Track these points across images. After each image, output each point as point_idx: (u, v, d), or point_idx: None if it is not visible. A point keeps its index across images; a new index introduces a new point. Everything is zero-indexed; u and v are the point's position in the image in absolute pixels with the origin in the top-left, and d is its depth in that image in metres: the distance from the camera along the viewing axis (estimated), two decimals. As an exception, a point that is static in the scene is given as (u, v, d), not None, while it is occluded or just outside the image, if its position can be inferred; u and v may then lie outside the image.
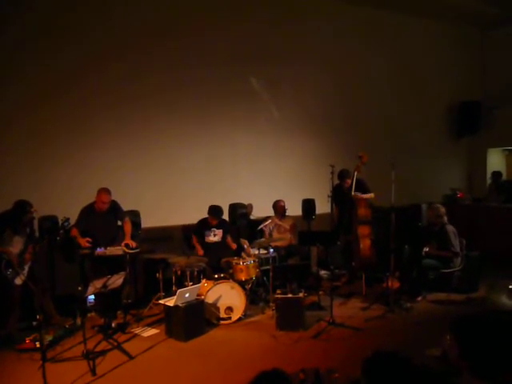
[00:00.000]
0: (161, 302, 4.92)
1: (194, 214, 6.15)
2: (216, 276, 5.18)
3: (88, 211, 5.27)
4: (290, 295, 4.80)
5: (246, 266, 5.36)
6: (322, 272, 6.46)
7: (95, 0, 6.17)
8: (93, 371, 3.83)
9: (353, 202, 5.92)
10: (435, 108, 9.33)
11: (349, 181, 6.09)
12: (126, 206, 5.62)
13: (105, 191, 5.22)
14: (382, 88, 8.48)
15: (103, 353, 4.23)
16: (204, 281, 5.17)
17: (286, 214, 6.61)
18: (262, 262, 5.78)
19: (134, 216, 5.93)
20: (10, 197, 4.78)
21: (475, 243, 6.23)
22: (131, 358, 4.16)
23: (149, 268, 5.79)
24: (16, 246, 4.68)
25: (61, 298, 5.20)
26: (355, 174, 5.91)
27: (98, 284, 4.23)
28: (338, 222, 6.22)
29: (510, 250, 6.89)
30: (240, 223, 6.86)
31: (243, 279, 5.33)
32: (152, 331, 4.84)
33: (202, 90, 6.85)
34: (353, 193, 5.90)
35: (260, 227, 6.40)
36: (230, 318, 5.02)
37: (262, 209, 7.00)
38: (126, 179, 6.21)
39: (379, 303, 5.43)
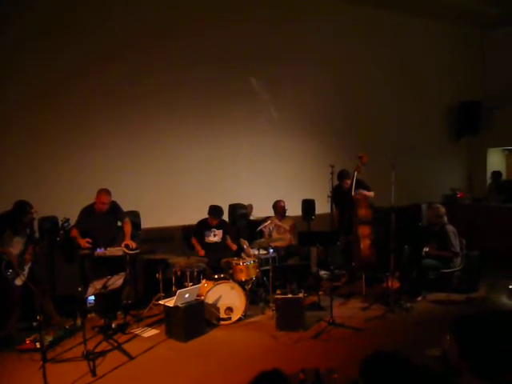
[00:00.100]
0: (161, 302, 4.92)
1: (194, 215, 6.15)
2: (216, 276, 5.18)
3: (88, 212, 5.27)
4: (289, 295, 4.80)
5: (246, 266, 5.36)
6: (322, 272, 6.46)
7: (95, 0, 6.17)
8: (93, 372, 3.83)
9: (353, 203, 5.92)
10: (435, 108, 9.33)
11: (348, 181, 6.08)
12: (125, 207, 5.62)
13: (105, 192, 5.22)
14: (381, 88, 8.47)
15: (103, 353, 4.23)
16: (204, 281, 5.17)
17: (286, 214, 6.61)
18: (261, 262, 5.78)
19: (134, 216, 5.93)
20: (10, 197, 4.78)
21: (475, 243, 6.23)
22: (131, 358, 4.16)
23: (149, 268, 5.79)
24: (16, 246, 4.67)
25: (61, 299, 5.20)
26: (355, 174, 5.91)
27: (98, 285, 4.23)
28: (339, 223, 6.20)
29: (510, 250, 6.88)
30: (240, 223, 6.85)
31: (243, 279, 5.33)
32: (152, 332, 4.84)
33: (202, 90, 6.85)
34: (353, 193, 5.89)
35: (259, 228, 6.40)
36: (229, 318, 5.02)
37: (261, 209, 7.00)
38: (125, 180, 6.21)
39: (379, 303, 5.44)
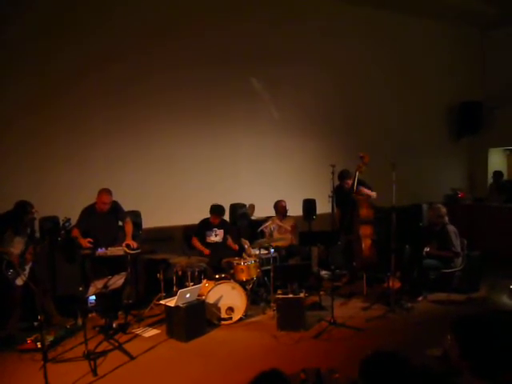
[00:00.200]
0: (162, 302, 4.92)
1: (195, 215, 6.15)
2: (217, 276, 5.18)
3: (89, 212, 5.27)
4: (290, 295, 4.80)
5: (247, 266, 5.36)
6: (323, 272, 6.47)
7: (95, 0, 6.17)
8: (94, 371, 3.84)
9: (354, 203, 5.91)
10: (435, 108, 9.33)
11: (349, 181, 6.07)
12: (126, 207, 5.62)
13: (106, 192, 5.22)
14: (382, 88, 8.47)
15: (104, 353, 4.23)
16: (205, 281, 5.17)
17: (287, 214, 6.61)
18: (262, 262, 5.78)
19: (135, 216, 5.93)
20: (11, 197, 4.79)
21: (476, 243, 6.23)
22: (132, 358, 4.16)
23: (150, 268, 5.78)
24: (17, 246, 4.68)
25: (62, 299, 5.21)
26: (357, 174, 5.90)
27: (98, 284, 4.23)
28: (340, 223, 6.20)
29: (510, 250, 6.88)
30: (241, 223, 6.86)
31: (244, 279, 5.33)
32: (153, 331, 4.84)
33: (202, 90, 6.85)
34: (355, 190, 5.88)
35: (260, 229, 6.39)
36: (230, 318, 5.02)
37: (262, 209, 7.01)
38: (126, 180, 6.21)
39: (380, 303, 5.44)
